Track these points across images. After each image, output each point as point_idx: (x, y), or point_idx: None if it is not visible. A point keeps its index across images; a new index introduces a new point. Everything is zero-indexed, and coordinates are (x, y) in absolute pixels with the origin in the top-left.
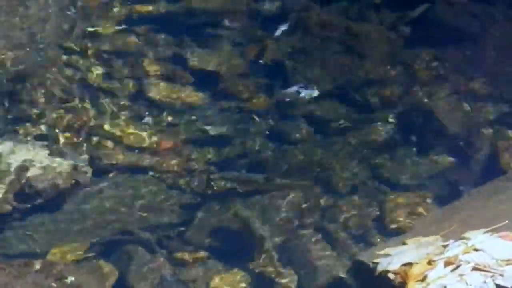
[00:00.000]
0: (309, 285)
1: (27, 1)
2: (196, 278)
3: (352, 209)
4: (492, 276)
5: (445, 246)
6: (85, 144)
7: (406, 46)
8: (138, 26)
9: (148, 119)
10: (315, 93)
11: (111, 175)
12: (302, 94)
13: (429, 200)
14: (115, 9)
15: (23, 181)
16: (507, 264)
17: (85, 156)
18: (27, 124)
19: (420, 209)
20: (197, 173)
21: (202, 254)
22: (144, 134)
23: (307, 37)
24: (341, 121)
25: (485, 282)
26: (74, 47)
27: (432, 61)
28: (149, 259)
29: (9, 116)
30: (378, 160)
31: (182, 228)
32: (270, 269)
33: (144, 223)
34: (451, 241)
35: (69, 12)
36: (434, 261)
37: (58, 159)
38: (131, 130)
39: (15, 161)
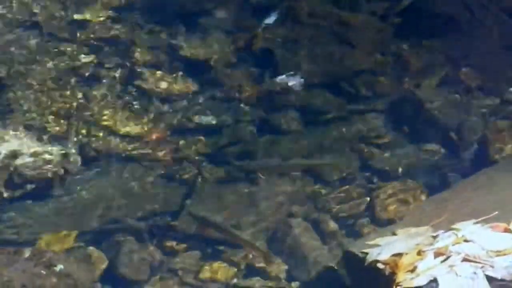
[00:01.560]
0: (299, 276)
1: None
2: (186, 266)
3: (342, 200)
4: (482, 267)
5: (435, 237)
6: (74, 133)
7: (396, 36)
8: (128, 14)
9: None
10: (305, 82)
11: (100, 163)
12: (292, 83)
13: (419, 191)
14: None
15: (12, 169)
16: (497, 255)
17: (75, 145)
18: (16, 112)
19: (411, 200)
20: (187, 162)
21: (191, 243)
22: (134, 123)
23: (297, 27)
24: (331, 111)
25: (475, 273)
26: (64, 35)
27: (423, 51)
28: (138, 247)
29: None
30: (369, 150)
31: (172, 217)
32: (259, 259)
33: (134, 212)
34: (441, 231)
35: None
36: (424, 251)
37: (47, 147)
38: (120, 119)
39: (4, 149)
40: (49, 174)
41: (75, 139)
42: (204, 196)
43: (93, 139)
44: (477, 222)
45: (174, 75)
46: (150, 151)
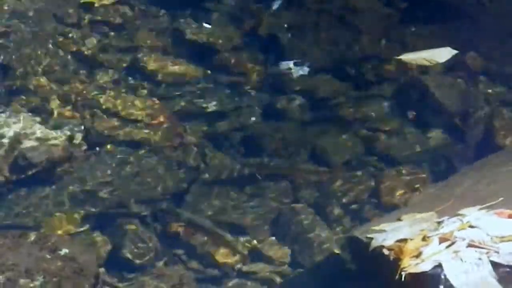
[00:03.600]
0: (304, 261)
1: None
2: (190, 252)
3: (347, 185)
4: (487, 253)
5: (440, 223)
6: (80, 117)
7: (403, 21)
8: None
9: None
10: (310, 67)
11: (106, 148)
12: (297, 69)
13: (424, 176)
14: None
15: (18, 153)
16: (502, 241)
17: (80, 129)
18: (22, 96)
19: (416, 185)
20: (191, 147)
21: (196, 228)
22: (139, 107)
23: (303, 11)
24: (337, 97)
25: (480, 259)
26: (69, 19)
27: (428, 37)
28: (143, 232)
29: (3, 89)
30: (374, 136)
31: (176, 202)
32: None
33: (138, 196)
34: (446, 217)
35: None
36: (429, 237)
37: (53, 131)
38: (125, 103)
39: (9, 133)
40: (55, 158)
41: (80, 123)
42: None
43: (98, 123)
44: (482, 208)
45: (179, 59)
46: (154, 135)
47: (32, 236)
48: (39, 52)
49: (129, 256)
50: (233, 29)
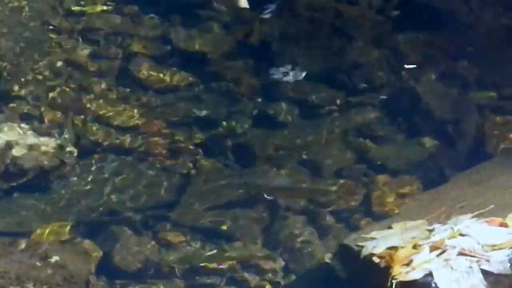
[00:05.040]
0: (295, 269)
1: None
2: (181, 259)
3: (338, 193)
4: (477, 261)
5: (431, 231)
6: (70, 124)
7: (394, 29)
8: (125, 5)
9: None
10: (302, 75)
11: (97, 155)
12: (289, 76)
13: (415, 184)
14: None
15: (8, 160)
16: (493, 250)
17: (71, 136)
18: (13, 103)
19: (407, 193)
20: (183, 154)
21: (188, 236)
22: (130, 114)
23: (295, 19)
24: (328, 104)
25: (470, 267)
26: (61, 26)
27: (420, 44)
28: (134, 240)
29: None
30: (365, 143)
31: (168, 210)
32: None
33: (129, 204)
34: (437, 225)
35: None
36: (419, 245)
37: (43, 139)
38: (117, 110)
39: (0, 140)
40: (45, 166)
41: (71, 130)
42: (197, 190)
43: (89, 130)
44: (473, 216)
45: (171, 67)
46: (146, 143)
47: (23, 244)
48: (30, 60)
49: (120, 263)
50: (225, 36)
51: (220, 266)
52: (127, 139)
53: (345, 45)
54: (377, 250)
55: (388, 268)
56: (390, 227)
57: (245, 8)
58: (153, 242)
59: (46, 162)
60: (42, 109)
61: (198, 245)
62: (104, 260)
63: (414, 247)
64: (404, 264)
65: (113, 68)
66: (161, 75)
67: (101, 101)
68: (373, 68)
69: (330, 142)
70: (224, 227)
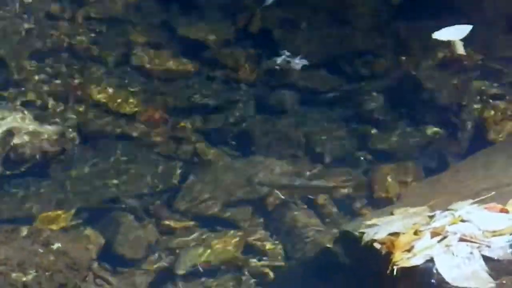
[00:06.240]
0: (297, 255)
1: None
2: (183, 246)
3: (339, 179)
4: (478, 247)
5: (432, 217)
6: (72, 111)
7: (397, 17)
8: None
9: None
10: (303, 63)
11: (97, 142)
12: (291, 64)
13: (417, 171)
14: None
15: (10, 147)
16: (494, 235)
17: (73, 123)
18: (14, 90)
19: (409, 180)
20: (184, 142)
21: (190, 222)
22: (131, 102)
23: (297, 7)
24: (330, 92)
25: (471, 253)
26: (62, 13)
27: (422, 32)
28: (136, 226)
29: None
30: (367, 130)
31: (170, 196)
32: (258, 238)
33: (131, 191)
34: (438, 211)
35: None
36: (421, 231)
37: (45, 126)
38: (117, 98)
39: (1, 127)
40: (47, 153)
41: (73, 117)
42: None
43: (90, 118)
44: (474, 203)
45: (172, 55)
46: (147, 130)
47: (25, 231)
48: (30, 47)
49: (122, 250)
50: (226, 24)
51: (221, 255)
52: (128, 126)
53: (347, 32)
54: (379, 236)
55: (389, 254)
56: (391, 214)
57: None
58: (155, 229)
59: (47, 149)
60: (44, 96)
61: (200, 232)
62: (106, 246)
63: (415, 233)
64: (405, 250)
65: (115, 56)
66: (163, 62)
67: (103, 88)
68: (376, 56)
69: (332, 130)
70: (226, 214)
